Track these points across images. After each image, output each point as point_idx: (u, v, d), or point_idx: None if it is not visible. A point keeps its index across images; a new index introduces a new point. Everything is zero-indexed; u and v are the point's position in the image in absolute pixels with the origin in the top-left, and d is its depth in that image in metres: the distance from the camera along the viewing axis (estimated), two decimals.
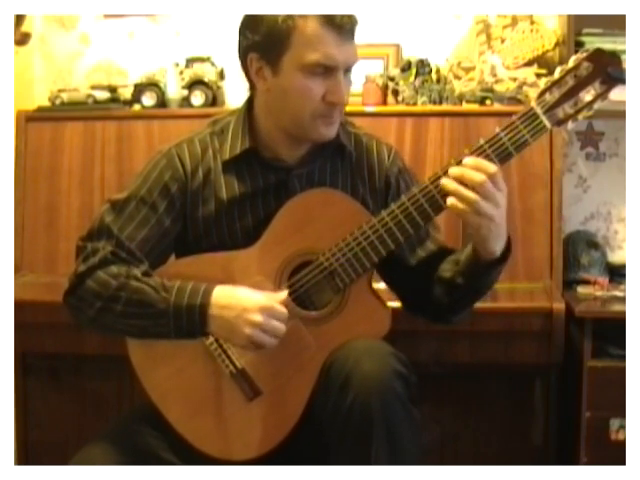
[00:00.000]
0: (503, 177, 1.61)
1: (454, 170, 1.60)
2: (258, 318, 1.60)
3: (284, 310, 1.63)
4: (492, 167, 1.59)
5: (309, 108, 1.68)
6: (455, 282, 1.72)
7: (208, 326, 1.63)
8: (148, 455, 1.68)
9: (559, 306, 2.19)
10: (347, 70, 1.70)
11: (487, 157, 1.62)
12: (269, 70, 1.69)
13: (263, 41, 1.68)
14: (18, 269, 2.60)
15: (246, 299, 1.62)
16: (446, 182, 1.60)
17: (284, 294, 1.66)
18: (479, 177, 1.57)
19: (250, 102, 1.79)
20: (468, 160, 1.60)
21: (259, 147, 1.77)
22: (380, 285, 1.86)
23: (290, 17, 1.64)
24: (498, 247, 1.64)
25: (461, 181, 1.59)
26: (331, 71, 1.67)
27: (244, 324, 1.60)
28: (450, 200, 1.60)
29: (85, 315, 1.67)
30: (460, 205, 1.58)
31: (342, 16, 1.65)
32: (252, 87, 1.77)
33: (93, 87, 2.82)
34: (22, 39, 2.78)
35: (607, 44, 2.44)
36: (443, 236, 1.87)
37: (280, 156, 1.77)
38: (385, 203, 1.80)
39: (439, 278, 1.75)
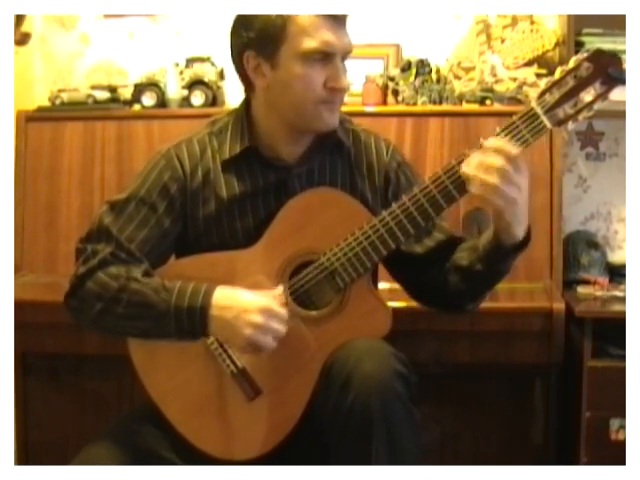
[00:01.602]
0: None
1: (474, 156, 1.58)
2: (258, 319, 1.60)
3: (284, 311, 1.63)
4: (513, 149, 1.58)
5: (311, 96, 1.68)
6: (474, 269, 1.71)
7: (209, 327, 1.62)
8: (149, 455, 1.68)
9: (559, 306, 2.19)
10: (343, 58, 1.71)
11: None
12: (267, 65, 1.69)
13: (258, 37, 1.68)
14: (18, 269, 2.60)
15: (246, 301, 1.62)
16: (466, 169, 1.59)
17: (280, 289, 1.66)
18: (499, 161, 1.56)
19: (247, 102, 1.80)
20: (489, 142, 1.59)
21: (259, 146, 1.77)
22: (383, 285, 1.86)
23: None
24: (520, 231, 1.64)
25: (481, 166, 1.57)
26: (329, 57, 1.67)
27: (244, 325, 1.60)
28: (472, 186, 1.58)
29: (86, 317, 1.67)
30: (482, 191, 1.57)
31: None
32: (248, 87, 1.77)
33: (93, 87, 2.82)
34: (22, 39, 2.78)
35: (607, 44, 2.45)
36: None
37: (280, 155, 1.77)
38: (385, 198, 1.80)
39: (456, 266, 1.75)
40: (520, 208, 1.60)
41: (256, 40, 1.68)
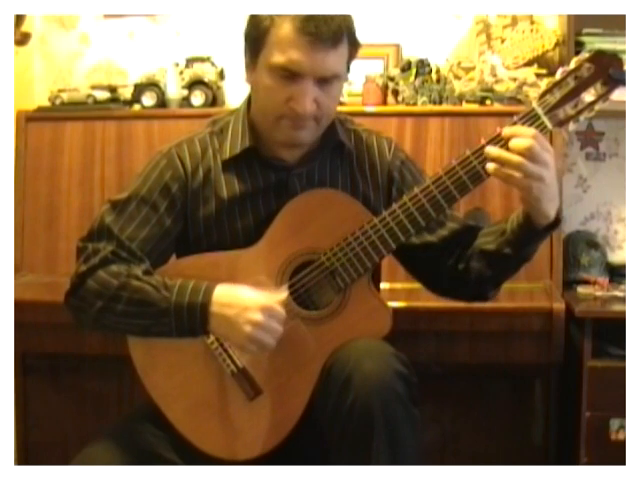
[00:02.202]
0: None
1: (506, 132, 1.58)
2: (258, 317, 1.60)
3: (282, 311, 1.63)
4: (531, 130, 1.58)
5: (272, 109, 1.67)
6: (502, 252, 1.70)
7: (209, 324, 1.62)
8: (150, 455, 1.68)
9: (559, 306, 2.20)
10: (323, 80, 1.65)
11: None
12: (251, 65, 1.71)
13: (247, 37, 1.70)
14: (18, 269, 2.60)
15: (247, 298, 1.62)
16: (490, 149, 1.58)
17: (284, 295, 1.66)
18: (525, 142, 1.56)
19: (248, 102, 1.80)
20: (506, 130, 1.59)
21: (259, 146, 1.77)
22: (383, 285, 1.85)
23: (270, 17, 1.64)
24: (552, 209, 1.63)
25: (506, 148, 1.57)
26: (297, 78, 1.64)
27: (244, 322, 1.60)
28: (493, 167, 1.57)
29: (87, 315, 1.67)
30: (505, 170, 1.57)
31: (320, 23, 1.60)
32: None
33: (93, 87, 2.82)
34: (22, 39, 2.78)
35: (607, 44, 2.45)
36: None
37: (279, 155, 1.77)
38: (389, 197, 1.80)
39: (481, 251, 1.74)
40: (548, 185, 1.58)
41: (246, 39, 1.70)
